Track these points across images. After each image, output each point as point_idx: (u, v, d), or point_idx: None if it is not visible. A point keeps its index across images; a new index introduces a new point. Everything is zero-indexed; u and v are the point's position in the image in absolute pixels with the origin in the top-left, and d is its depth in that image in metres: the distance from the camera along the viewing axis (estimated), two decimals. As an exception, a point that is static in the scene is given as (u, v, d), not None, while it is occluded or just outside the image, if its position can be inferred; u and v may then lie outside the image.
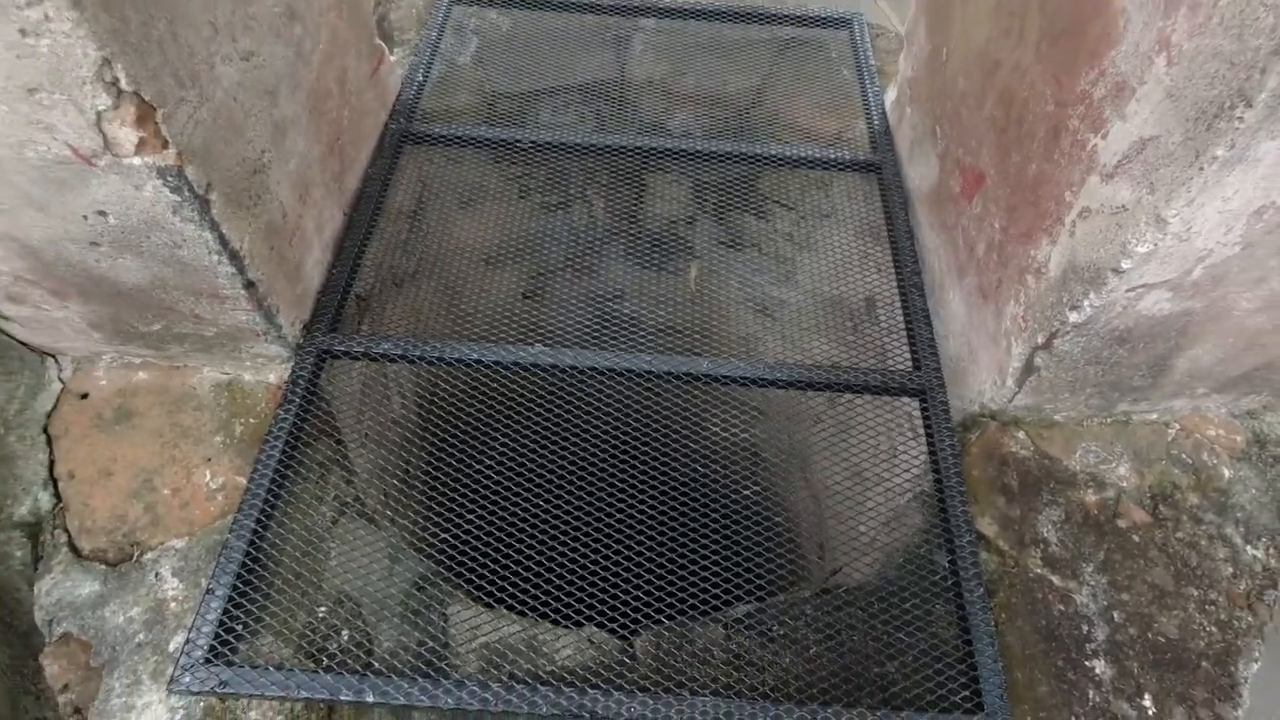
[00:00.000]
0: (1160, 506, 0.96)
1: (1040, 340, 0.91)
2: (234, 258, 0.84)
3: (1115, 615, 0.87)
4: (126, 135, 0.69)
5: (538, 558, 0.99)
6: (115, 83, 0.65)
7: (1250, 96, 0.61)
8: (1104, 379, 0.96)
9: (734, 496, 1.65)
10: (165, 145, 0.71)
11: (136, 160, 0.71)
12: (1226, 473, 0.99)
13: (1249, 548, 0.93)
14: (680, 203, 1.69)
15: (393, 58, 1.33)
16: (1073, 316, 0.85)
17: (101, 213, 0.77)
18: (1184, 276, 0.79)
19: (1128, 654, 0.85)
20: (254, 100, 0.86)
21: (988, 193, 1.03)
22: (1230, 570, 0.91)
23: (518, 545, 1.05)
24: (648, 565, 0.97)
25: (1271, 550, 0.93)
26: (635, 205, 1.72)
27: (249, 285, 0.88)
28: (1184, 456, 1.00)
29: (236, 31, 0.81)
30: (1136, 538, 0.93)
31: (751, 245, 1.73)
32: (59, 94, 0.64)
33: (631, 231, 1.80)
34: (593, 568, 0.95)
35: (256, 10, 0.85)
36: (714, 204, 1.66)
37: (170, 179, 0.74)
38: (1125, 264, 0.77)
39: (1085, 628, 0.86)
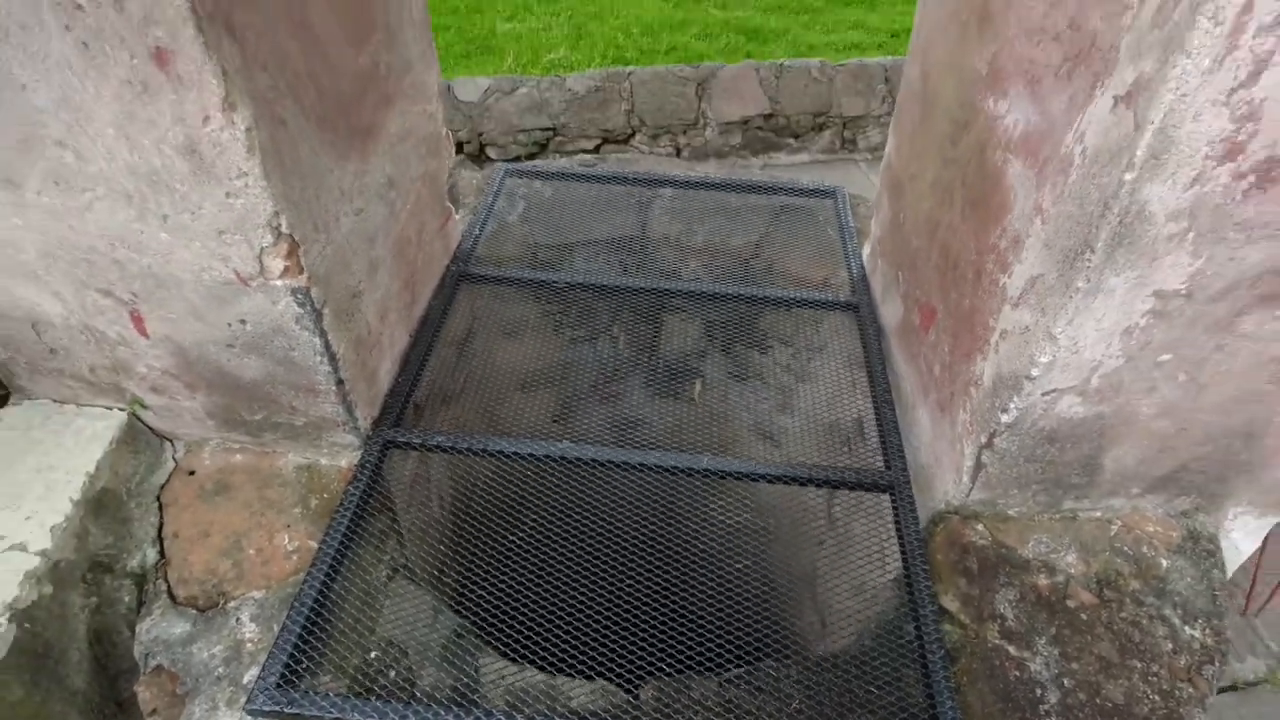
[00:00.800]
0: (1105, 590, 1.08)
1: (984, 440, 1.09)
2: (332, 359, 1.08)
3: (1066, 682, 0.98)
4: (277, 264, 0.94)
5: (557, 622, 1.13)
6: (278, 227, 0.91)
7: (1093, 245, 0.84)
8: (1044, 476, 1.13)
9: (737, 576, 1.75)
10: (300, 272, 0.97)
11: (279, 282, 0.96)
12: (1164, 563, 1.12)
13: (1187, 628, 1.05)
14: (692, 339, 1.94)
15: (457, 216, 1.64)
16: (1004, 418, 1.04)
17: (243, 321, 1.01)
18: (1085, 383, 0.99)
19: (1078, 716, 0.95)
20: (359, 243, 1.13)
21: (939, 324, 1.25)
22: (1170, 646, 1.03)
23: (540, 611, 1.18)
24: (655, 633, 1.10)
25: (1208, 630, 1.05)
26: (653, 341, 1.96)
27: (339, 383, 1.11)
28: (1125, 549, 1.14)
29: (354, 195, 1.10)
30: (1084, 616, 1.05)
31: (755, 376, 1.95)
32: (239, 235, 0.91)
33: (650, 364, 2.03)
34: (605, 632, 1.09)
35: (369, 181, 1.14)
36: (722, 340, 1.90)
37: (299, 297, 0.98)
38: (1034, 371, 0.97)
39: (1039, 691, 0.97)
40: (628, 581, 1.18)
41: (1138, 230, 0.82)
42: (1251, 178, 0.78)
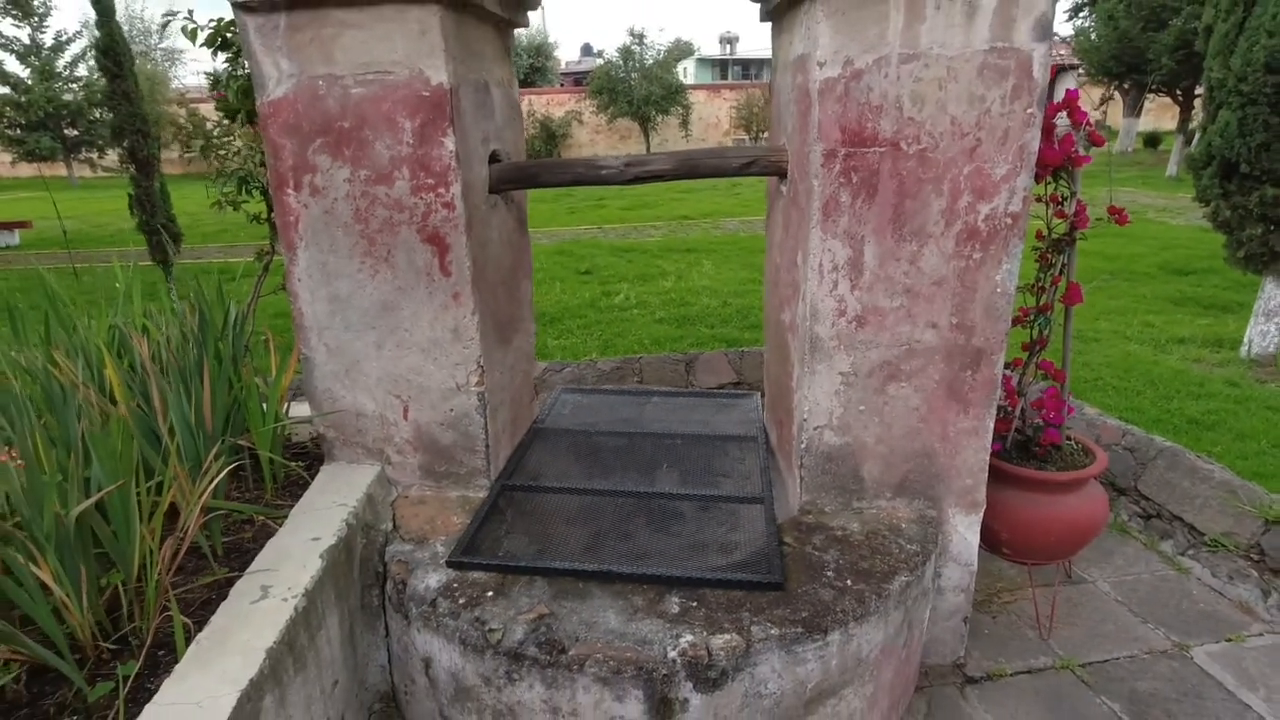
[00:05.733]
0: (869, 535, 2.11)
1: (799, 463, 2.21)
2: (487, 434, 2.28)
3: (841, 561, 1.98)
4: (474, 379, 2.22)
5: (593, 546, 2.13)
6: (479, 363, 2.21)
7: (807, 352, 2.09)
8: (835, 485, 2.21)
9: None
10: (483, 385, 2.23)
11: (474, 389, 2.22)
12: (903, 525, 2.16)
13: (908, 545, 2.06)
14: (673, 482, 3.06)
15: (536, 403, 2.94)
16: (802, 447, 2.18)
17: (452, 410, 2.25)
18: (831, 422, 2.15)
19: (843, 571, 1.94)
20: (499, 387, 2.41)
21: (782, 424, 2.43)
22: (898, 551, 2.03)
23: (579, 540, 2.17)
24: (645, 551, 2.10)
25: (916, 545, 2.05)
26: (649, 487, 3.09)
27: (487, 447, 2.30)
28: (884, 521, 2.18)
29: (500, 364, 2.41)
30: (855, 543, 2.07)
31: (715, 506, 3.02)
32: (463, 366, 2.20)
33: (647, 508, 3.12)
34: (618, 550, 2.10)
35: (506, 362, 2.47)
36: (692, 483, 3.02)
37: (480, 397, 2.24)
38: (806, 417, 2.15)
39: (825, 564, 1.97)
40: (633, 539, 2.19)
41: (819, 345, 2.08)
42: (855, 323, 2.07)
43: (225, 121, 3.13)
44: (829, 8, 1.82)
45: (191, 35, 2.45)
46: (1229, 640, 2.46)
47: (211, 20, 2.49)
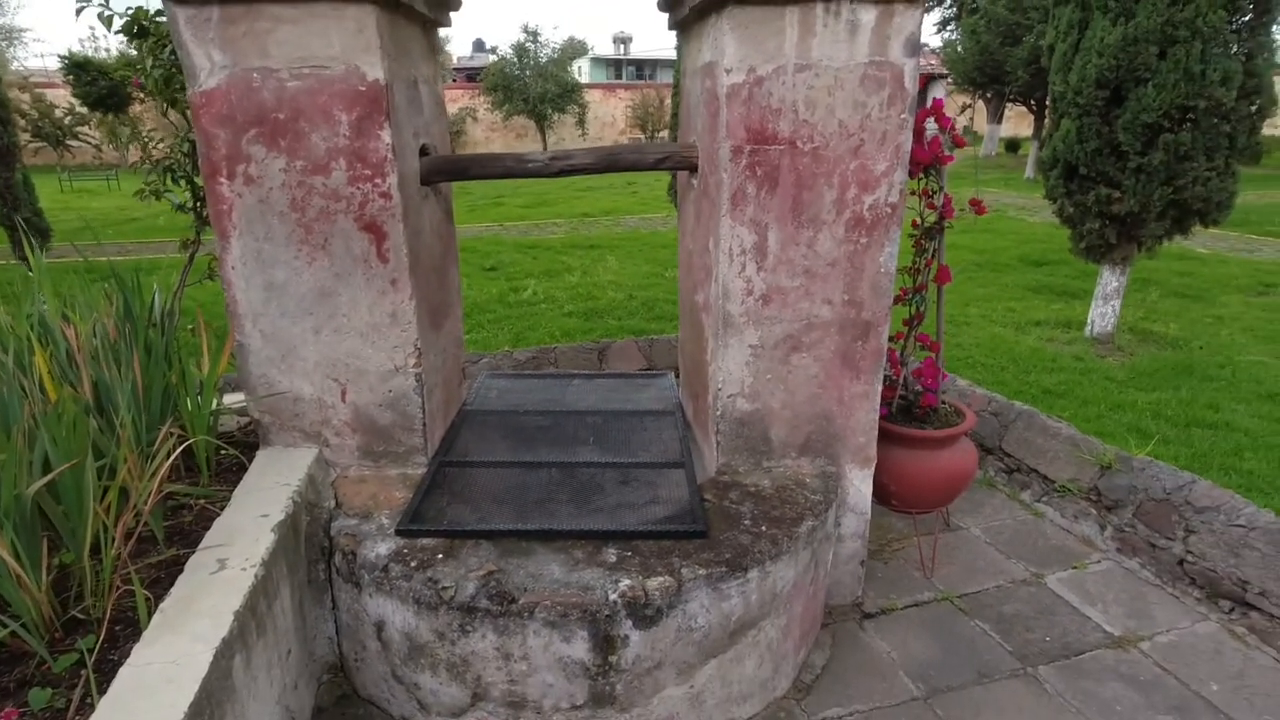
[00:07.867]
0: (779, 489, 2.39)
1: (716, 429, 2.46)
2: (424, 412, 2.39)
3: (755, 511, 2.24)
4: (412, 361, 2.32)
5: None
6: (417, 345, 2.31)
7: (720, 327, 2.34)
8: (747, 447, 2.47)
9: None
10: (419, 366, 2.34)
11: (412, 370, 2.33)
12: (808, 480, 2.44)
13: (811, 495, 2.34)
14: (600, 453, 3.25)
15: (463, 388, 3.05)
16: (718, 414, 2.42)
17: (390, 390, 2.35)
18: (742, 391, 2.41)
19: (758, 519, 2.20)
20: (433, 369, 2.52)
21: (698, 396, 2.67)
22: (804, 500, 2.31)
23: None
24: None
25: (819, 495, 2.34)
26: (579, 458, 3.27)
27: (424, 425, 2.41)
28: (791, 477, 2.46)
29: (434, 347, 2.53)
30: (767, 496, 2.34)
31: (634, 480, 3.24)
32: (400, 349, 2.30)
33: (578, 476, 3.30)
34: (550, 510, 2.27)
35: (438, 345, 2.58)
36: (617, 450, 3.22)
37: (418, 378, 2.35)
38: (720, 386, 2.39)
39: (742, 515, 2.22)
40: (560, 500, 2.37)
41: (731, 321, 2.33)
42: (761, 300, 2.32)
43: (82, 109, 3.06)
44: (734, 21, 2.06)
45: (107, 22, 2.39)
46: (1074, 568, 2.91)
47: (129, 8, 2.44)
